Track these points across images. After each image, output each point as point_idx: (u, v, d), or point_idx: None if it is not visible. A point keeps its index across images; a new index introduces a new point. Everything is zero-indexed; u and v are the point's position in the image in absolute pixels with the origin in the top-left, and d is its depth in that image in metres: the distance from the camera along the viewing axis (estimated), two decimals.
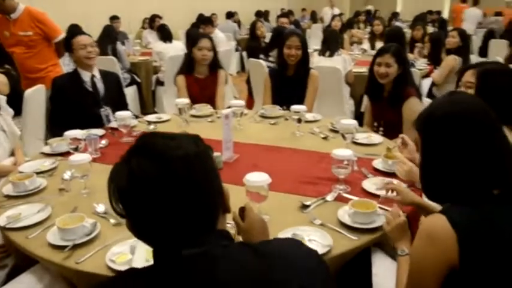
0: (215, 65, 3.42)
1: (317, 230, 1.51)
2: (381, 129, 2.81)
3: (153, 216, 0.82)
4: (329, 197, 1.77)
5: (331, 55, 4.61)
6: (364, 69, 4.89)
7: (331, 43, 4.69)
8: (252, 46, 5.20)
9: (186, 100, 2.79)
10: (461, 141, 1.15)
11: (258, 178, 1.56)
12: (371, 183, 1.87)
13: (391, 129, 2.69)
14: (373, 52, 6.19)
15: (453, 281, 1.11)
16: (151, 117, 2.90)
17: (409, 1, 14.13)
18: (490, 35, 7.60)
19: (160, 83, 5.52)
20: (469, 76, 1.89)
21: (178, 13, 9.39)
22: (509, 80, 1.82)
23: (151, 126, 2.73)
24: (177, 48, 5.97)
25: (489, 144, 1.14)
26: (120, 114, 2.50)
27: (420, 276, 1.16)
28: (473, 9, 9.98)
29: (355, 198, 1.70)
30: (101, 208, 1.67)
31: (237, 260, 0.84)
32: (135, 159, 0.83)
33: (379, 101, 2.89)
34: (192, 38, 3.44)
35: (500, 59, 5.03)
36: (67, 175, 1.95)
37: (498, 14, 10.49)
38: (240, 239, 1.27)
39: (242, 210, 1.28)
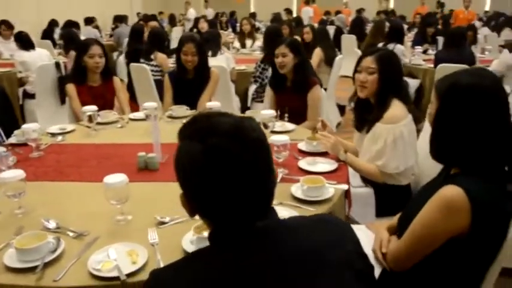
0: (108, 72, 3.31)
1: (281, 208, 1.63)
2: (286, 115, 3.03)
3: (229, 191, 0.86)
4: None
5: (214, 55, 4.74)
6: (243, 67, 5.15)
7: (213, 43, 4.83)
8: (134, 50, 5.07)
9: (93, 107, 2.66)
10: (481, 112, 1.24)
11: None
12: (305, 163, 2.07)
13: (296, 115, 2.93)
14: (245, 51, 6.60)
15: (457, 247, 1.25)
16: (53, 129, 2.68)
17: (260, 2, 15.02)
18: (338, 31, 8.61)
19: (29, 95, 5.03)
20: (369, 62, 2.15)
21: (25, 19, 8.52)
22: (397, 59, 2.22)
23: (60, 138, 2.54)
24: (42, 56, 5.50)
25: (504, 121, 1.26)
26: (26, 127, 2.28)
27: (427, 241, 1.29)
28: (306, 8, 11.56)
29: (297, 177, 1.87)
30: (52, 224, 1.55)
31: (305, 228, 0.93)
32: (211, 138, 0.85)
33: (283, 90, 3.14)
34: (81, 45, 3.26)
35: (358, 51, 5.77)
36: None
37: (338, 12, 11.85)
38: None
39: None
